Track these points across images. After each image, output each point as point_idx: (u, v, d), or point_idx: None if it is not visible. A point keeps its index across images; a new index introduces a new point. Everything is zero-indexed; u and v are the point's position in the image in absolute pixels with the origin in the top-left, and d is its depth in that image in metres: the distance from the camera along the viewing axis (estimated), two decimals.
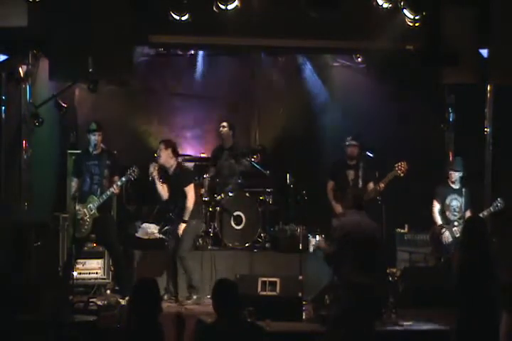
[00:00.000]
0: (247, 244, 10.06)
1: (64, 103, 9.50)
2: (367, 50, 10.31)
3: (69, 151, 10.21)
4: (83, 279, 9.60)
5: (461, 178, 9.79)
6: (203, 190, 10.17)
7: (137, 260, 9.69)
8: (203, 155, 11.54)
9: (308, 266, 9.33)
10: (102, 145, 9.11)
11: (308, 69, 12.02)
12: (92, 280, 9.68)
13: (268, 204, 10.49)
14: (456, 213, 9.76)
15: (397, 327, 7.98)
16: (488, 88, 10.27)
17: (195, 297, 9.04)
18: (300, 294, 8.28)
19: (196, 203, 9.24)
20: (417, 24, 9.33)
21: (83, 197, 8.96)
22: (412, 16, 9.25)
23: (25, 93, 9.78)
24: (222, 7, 9.00)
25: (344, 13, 8.97)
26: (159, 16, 9.16)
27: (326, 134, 11.75)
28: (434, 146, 11.08)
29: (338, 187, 9.69)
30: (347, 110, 11.42)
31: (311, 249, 8.87)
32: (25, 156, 9.75)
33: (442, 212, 9.78)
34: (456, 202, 9.77)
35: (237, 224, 10.12)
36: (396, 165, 9.39)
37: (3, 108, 9.61)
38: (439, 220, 9.77)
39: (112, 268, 9.56)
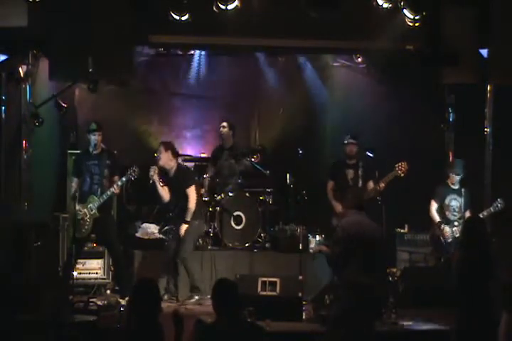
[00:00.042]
0: (247, 244, 10.05)
1: (64, 103, 9.49)
2: (367, 50, 10.29)
3: (69, 151, 10.22)
4: (83, 279, 9.60)
5: (461, 179, 9.80)
6: (203, 190, 10.17)
7: (137, 260, 9.69)
8: (203, 155, 11.54)
9: (308, 266, 9.33)
10: (102, 145, 9.11)
11: (308, 70, 12.01)
12: (92, 280, 9.68)
13: (268, 204, 10.49)
14: (455, 213, 9.76)
15: (397, 327, 7.96)
16: (488, 88, 10.26)
17: (197, 297, 9.05)
18: (300, 294, 8.26)
19: (198, 204, 9.25)
20: (417, 24, 9.32)
21: (83, 197, 8.97)
22: (412, 16, 9.24)
23: (25, 93, 9.78)
24: (222, 7, 8.99)
25: (344, 13, 8.97)
26: (159, 16, 9.15)
27: (326, 134, 11.76)
28: (434, 146, 11.06)
29: (338, 187, 9.69)
30: (347, 110, 11.42)
31: (311, 251, 8.86)
32: (25, 156, 9.74)
33: (441, 212, 9.78)
34: (455, 202, 9.77)
35: (237, 224, 10.11)
36: (396, 165, 9.40)
37: (3, 108, 9.61)
38: (437, 218, 9.76)
39: (112, 268, 9.56)
